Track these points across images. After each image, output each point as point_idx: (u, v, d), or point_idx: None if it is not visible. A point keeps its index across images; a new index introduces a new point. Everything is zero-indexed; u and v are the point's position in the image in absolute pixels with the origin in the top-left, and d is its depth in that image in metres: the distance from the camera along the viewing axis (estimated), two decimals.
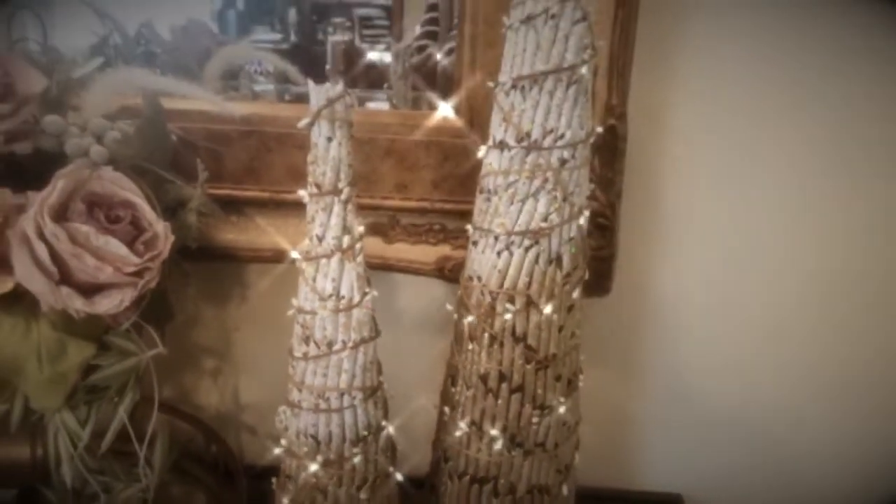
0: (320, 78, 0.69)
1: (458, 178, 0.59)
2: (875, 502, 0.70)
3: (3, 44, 0.65)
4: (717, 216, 0.61)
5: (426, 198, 0.60)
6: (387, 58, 0.72)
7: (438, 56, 0.65)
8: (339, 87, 0.40)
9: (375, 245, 0.61)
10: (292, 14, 0.83)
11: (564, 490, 0.52)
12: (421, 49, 0.68)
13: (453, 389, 0.50)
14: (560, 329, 0.47)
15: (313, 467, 0.44)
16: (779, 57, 0.57)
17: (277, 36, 0.84)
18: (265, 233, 0.61)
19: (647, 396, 0.67)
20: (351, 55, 0.76)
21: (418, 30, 0.70)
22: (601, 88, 0.55)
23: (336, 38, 0.77)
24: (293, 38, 0.83)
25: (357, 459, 0.44)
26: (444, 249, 0.61)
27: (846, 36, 0.56)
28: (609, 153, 0.56)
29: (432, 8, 0.67)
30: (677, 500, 0.70)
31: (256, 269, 0.65)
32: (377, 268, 0.62)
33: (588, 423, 0.63)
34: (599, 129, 0.46)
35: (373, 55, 0.73)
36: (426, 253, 0.61)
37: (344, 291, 0.43)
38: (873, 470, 0.69)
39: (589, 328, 0.63)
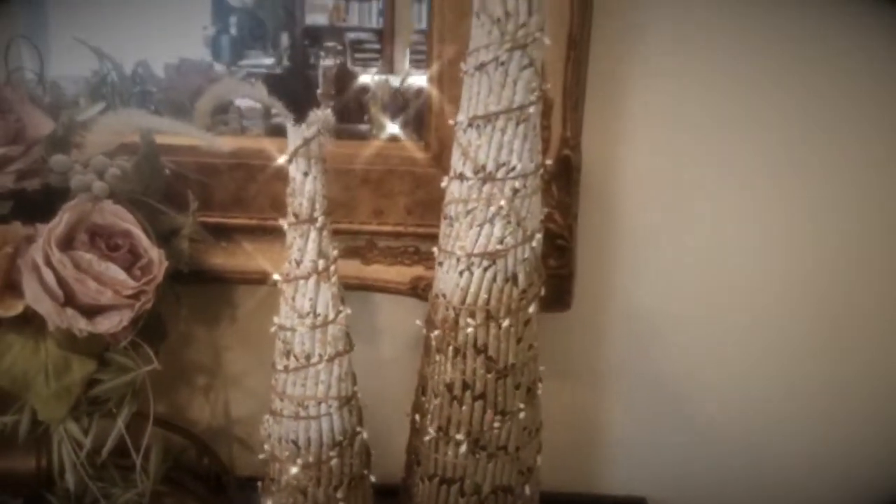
0: (311, 102, 0.75)
1: (430, 205, 0.64)
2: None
3: (1, 73, 0.71)
4: (670, 234, 0.67)
5: (401, 223, 0.65)
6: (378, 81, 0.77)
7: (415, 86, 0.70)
8: (314, 128, 0.45)
9: (354, 267, 0.66)
10: (285, 38, 0.88)
11: (527, 490, 0.56)
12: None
13: (423, 398, 0.55)
14: (518, 341, 0.52)
15: (294, 470, 0.49)
16: (724, 78, 0.62)
17: (270, 60, 0.88)
18: (252, 257, 0.66)
19: (610, 403, 0.72)
20: (342, 79, 0.81)
21: (407, 55, 0.76)
22: (556, 122, 0.61)
23: (326, 63, 0.82)
24: (286, 62, 0.87)
25: (334, 462, 0.49)
26: (418, 270, 0.66)
27: (797, 49, 0.61)
28: (565, 180, 0.62)
29: (419, 33, 0.71)
30: (641, 503, 0.75)
31: (245, 291, 0.69)
32: (356, 288, 0.66)
33: (554, 429, 0.67)
34: (549, 162, 0.52)
35: (364, 78, 0.78)
36: (401, 273, 0.66)
37: (320, 309, 0.48)
38: (839, 472, 0.74)
39: (552, 341, 0.68)
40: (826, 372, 0.70)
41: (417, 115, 0.66)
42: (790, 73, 0.62)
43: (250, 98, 0.78)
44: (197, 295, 0.67)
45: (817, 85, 0.62)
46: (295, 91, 0.84)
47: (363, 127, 0.76)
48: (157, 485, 0.58)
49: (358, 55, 0.80)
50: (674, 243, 0.67)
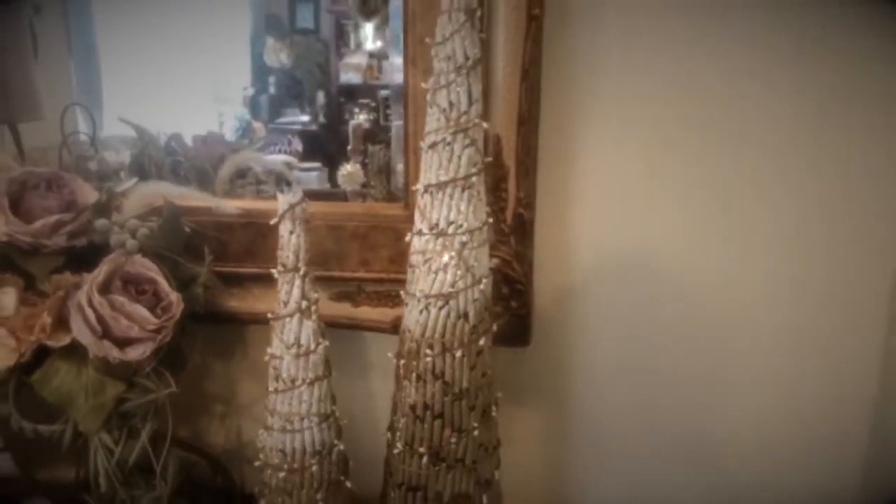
0: (344, 156, 0.83)
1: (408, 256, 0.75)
2: None
3: (58, 135, 0.84)
4: (619, 279, 0.76)
5: (384, 270, 0.76)
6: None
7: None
8: (299, 195, 0.57)
9: (345, 309, 0.77)
10: (320, 96, 0.97)
11: (485, 499, 0.66)
12: None
13: (394, 418, 0.65)
14: (472, 368, 0.62)
15: (281, 474, 0.59)
16: (655, 146, 0.72)
17: (306, 118, 0.97)
18: (261, 301, 0.77)
19: (573, 430, 0.81)
20: (372, 136, 0.89)
21: None
22: (512, 186, 0.72)
23: (355, 122, 0.92)
24: (321, 118, 0.96)
25: (314, 469, 0.59)
26: (399, 311, 0.76)
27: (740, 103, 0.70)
28: (521, 234, 0.72)
29: None
30: None
31: (255, 330, 0.80)
32: (347, 327, 0.77)
33: (519, 452, 0.77)
34: (490, 220, 0.62)
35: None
36: (385, 314, 0.77)
37: (303, 341, 0.59)
38: (805, 495, 0.80)
39: (516, 373, 0.78)
40: (790, 395, 0.76)
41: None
42: (733, 127, 0.70)
43: (264, 166, 0.92)
44: (215, 334, 0.79)
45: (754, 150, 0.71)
46: (329, 146, 0.93)
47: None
48: (175, 493, 0.69)
49: (389, 111, 0.89)
50: (624, 286, 0.76)
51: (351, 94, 0.92)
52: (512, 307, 0.74)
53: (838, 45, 0.68)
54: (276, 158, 0.94)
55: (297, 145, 0.96)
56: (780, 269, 0.74)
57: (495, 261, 0.73)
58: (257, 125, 0.97)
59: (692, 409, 0.78)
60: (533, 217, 0.73)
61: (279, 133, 0.98)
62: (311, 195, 0.85)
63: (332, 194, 0.88)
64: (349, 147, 0.91)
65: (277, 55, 0.97)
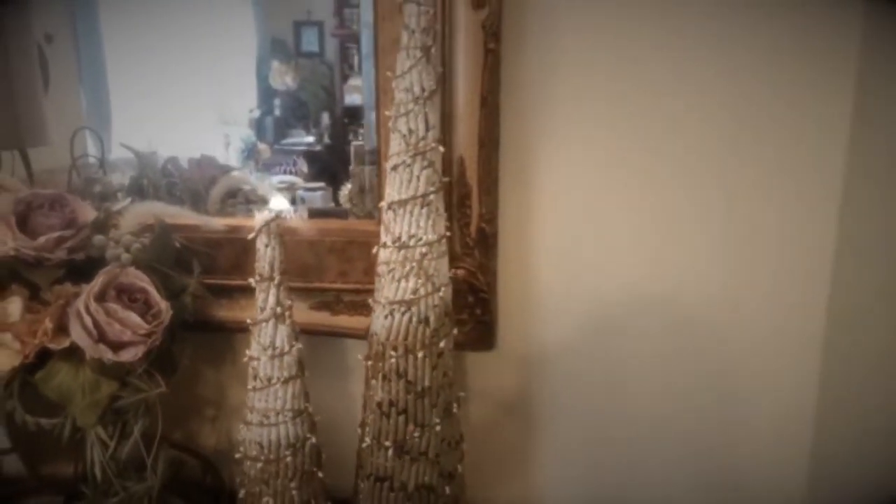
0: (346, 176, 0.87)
1: None
2: None
3: (66, 158, 0.90)
4: (576, 287, 0.81)
5: (360, 281, 0.82)
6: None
7: None
8: (273, 213, 0.64)
9: (324, 317, 0.83)
10: (325, 118, 1.01)
11: (447, 490, 0.72)
12: None
13: (364, 415, 0.71)
14: (433, 368, 0.68)
15: (259, 465, 0.65)
16: (619, 145, 0.78)
17: (311, 139, 1.01)
18: (247, 310, 0.82)
19: (539, 428, 0.86)
20: (371, 157, 0.88)
21: None
22: (475, 203, 0.78)
23: (357, 143, 0.93)
24: (326, 139, 1.00)
25: (288, 460, 0.66)
26: None
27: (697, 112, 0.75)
28: (483, 247, 0.79)
29: None
30: None
31: (242, 338, 0.85)
32: (327, 334, 0.84)
33: (486, 452, 0.82)
34: (448, 234, 0.69)
35: None
36: (361, 322, 0.82)
37: (278, 344, 0.65)
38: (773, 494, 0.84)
39: (483, 375, 0.84)
40: (739, 389, 0.81)
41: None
42: (677, 140, 0.76)
43: (252, 187, 0.98)
44: (206, 341, 0.85)
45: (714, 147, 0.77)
46: (334, 166, 0.97)
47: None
48: (166, 489, 0.75)
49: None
50: (581, 292, 0.82)
51: (355, 115, 0.95)
52: (477, 314, 0.80)
53: (797, 46, 0.73)
54: (282, 179, 0.99)
55: (303, 166, 1.01)
56: (731, 270, 0.79)
57: (461, 272, 0.79)
58: (263, 146, 1.02)
59: (646, 408, 0.84)
60: (495, 231, 0.79)
61: (284, 154, 1.02)
62: (315, 213, 0.93)
63: (335, 212, 0.92)
64: (350, 167, 0.94)
65: (283, 78, 1.01)
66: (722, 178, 0.77)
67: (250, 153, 1.02)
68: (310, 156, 1.01)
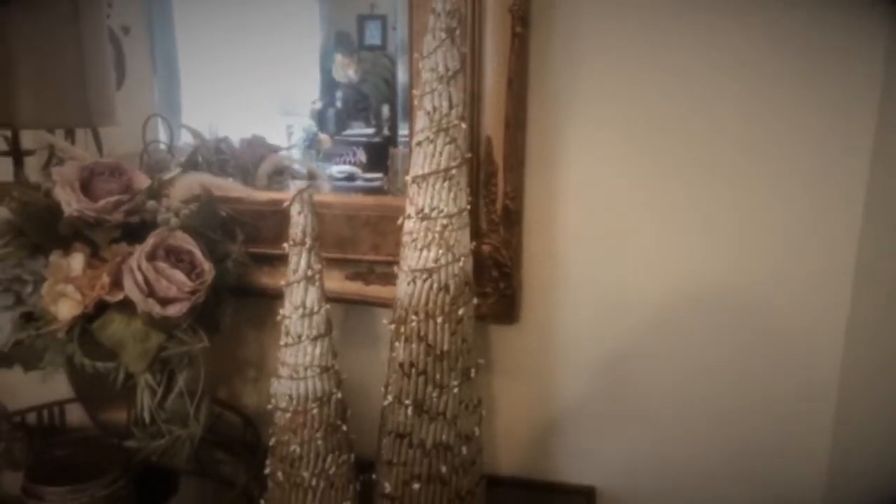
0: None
1: None
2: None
3: (138, 143, 0.98)
4: (603, 264, 0.84)
5: (392, 253, 0.86)
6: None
7: None
8: (305, 185, 0.69)
9: (358, 287, 0.88)
10: (385, 110, 1.04)
11: (464, 451, 0.76)
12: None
13: (387, 375, 0.76)
14: (452, 334, 0.73)
15: (288, 415, 0.71)
16: (632, 150, 0.80)
17: (371, 130, 1.05)
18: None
19: (559, 400, 0.89)
20: None
21: None
22: (500, 181, 0.82)
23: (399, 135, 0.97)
24: (385, 131, 1.04)
25: (315, 412, 0.71)
26: None
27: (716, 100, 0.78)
28: (508, 223, 0.82)
29: None
30: (590, 492, 0.90)
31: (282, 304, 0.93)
32: (360, 303, 0.89)
33: (510, 422, 0.86)
34: (468, 207, 0.73)
35: None
36: (392, 292, 0.87)
37: (308, 304, 0.70)
38: (782, 462, 0.85)
39: (506, 347, 0.88)
40: (761, 365, 0.83)
41: None
42: (699, 125, 0.78)
43: (298, 166, 1.05)
44: (249, 306, 0.92)
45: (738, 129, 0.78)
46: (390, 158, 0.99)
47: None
48: (210, 442, 0.81)
49: None
50: (603, 269, 0.84)
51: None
52: (500, 288, 0.84)
53: (817, 41, 0.74)
54: (342, 169, 1.04)
55: (362, 157, 1.05)
56: (753, 257, 0.81)
57: (486, 247, 0.83)
58: (324, 137, 1.06)
59: (664, 385, 0.86)
60: (520, 208, 0.83)
61: (345, 145, 1.05)
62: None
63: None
64: (390, 149, 0.99)
65: (345, 70, 1.05)
66: (747, 169, 0.79)
67: (312, 143, 1.06)
68: (369, 147, 1.04)
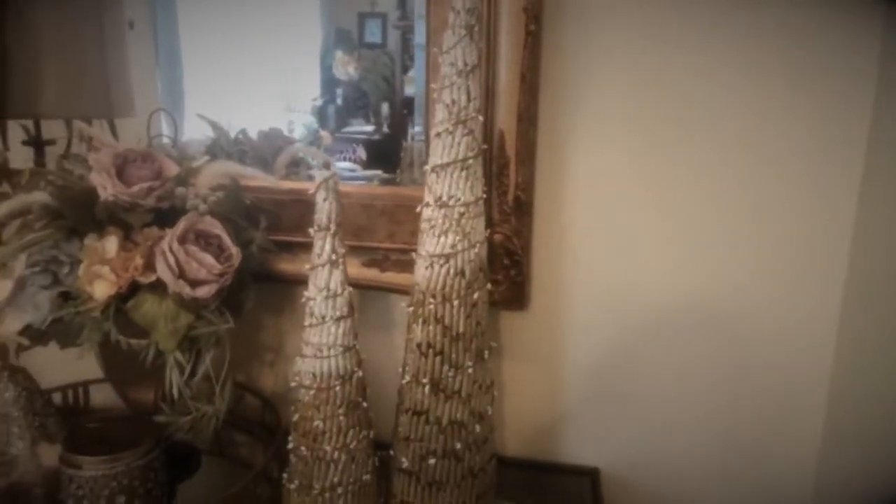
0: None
1: None
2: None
3: (145, 138, 1.01)
4: (609, 254, 0.88)
5: (407, 241, 0.90)
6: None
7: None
8: (330, 172, 0.73)
9: (374, 273, 0.92)
10: (385, 108, 1.05)
11: (478, 428, 0.79)
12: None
13: (405, 356, 0.80)
14: (467, 317, 0.76)
15: (311, 392, 0.75)
16: (639, 142, 0.85)
17: (370, 128, 1.07)
18: (306, 264, 0.93)
19: (566, 385, 0.93)
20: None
21: None
22: (512, 173, 0.86)
23: (412, 131, 1.01)
24: (385, 129, 1.05)
25: (337, 389, 0.74)
26: None
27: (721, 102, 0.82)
28: (519, 213, 0.86)
29: None
30: (595, 472, 0.94)
31: (300, 289, 0.95)
32: (376, 289, 0.93)
33: (518, 405, 0.90)
34: (484, 196, 0.76)
35: None
36: (407, 279, 0.90)
37: (332, 287, 0.74)
38: (772, 453, 0.90)
39: (516, 333, 0.92)
40: (756, 355, 0.87)
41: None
42: (704, 123, 0.82)
43: (313, 157, 1.08)
44: (269, 292, 0.95)
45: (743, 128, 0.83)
46: (392, 155, 1.02)
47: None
48: (230, 424, 0.85)
49: None
50: (610, 257, 0.88)
51: (413, 106, 0.99)
52: (511, 275, 0.88)
53: (813, 43, 0.78)
54: (341, 166, 1.06)
55: (361, 153, 1.06)
56: (749, 263, 0.85)
57: (498, 236, 0.87)
58: (324, 133, 1.08)
59: (666, 374, 0.90)
60: (531, 199, 0.87)
61: (345, 142, 1.07)
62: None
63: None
64: (404, 143, 1.01)
65: (346, 68, 1.07)
66: (747, 173, 0.83)
67: (312, 140, 1.08)
68: (369, 144, 1.06)
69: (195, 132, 1.06)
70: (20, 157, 1.04)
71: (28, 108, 1.06)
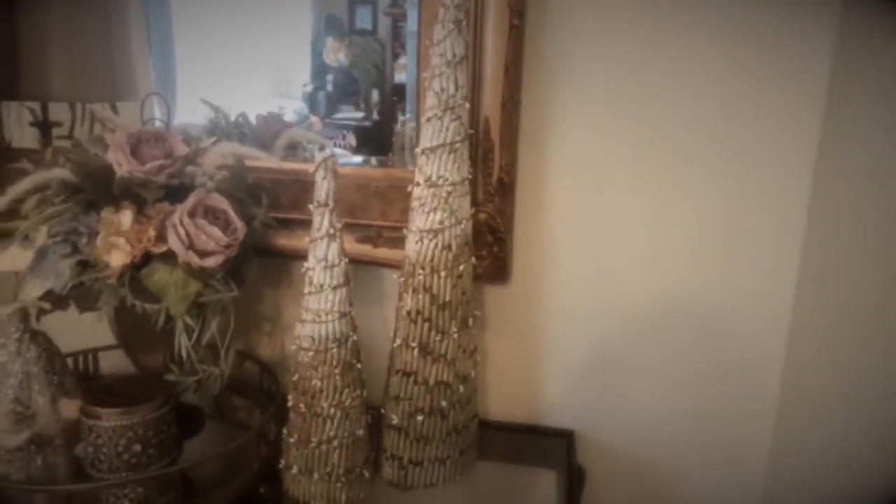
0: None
1: None
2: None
3: (137, 121, 1.05)
4: (586, 233, 0.95)
5: (398, 219, 0.97)
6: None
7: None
8: (328, 152, 0.80)
9: (367, 249, 0.99)
10: (375, 95, 1.08)
11: (461, 389, 0.87)
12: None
13: (395, 322, 0.87)
14: (453, 287, 0.84)
15: (310, 354, 0.82)
16: (619, 128, 0.91)
17: (360, 114, 1.09)
18: (303, 240, 1.00)
19: (544, 353, 1.00)
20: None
21: None
22: (497, 156, 0.93)
23: (402, 118, 1.03)
24: (375, 116, 1.08)
25: (333, 351, 0.82)
26: None
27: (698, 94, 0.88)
28: (502, 194, 0.93)
29: None
30: (570, 434, 1.02)
31: (297, 264, 1.01)
32: (369, 263, 0.99)
33: (499, 373, 0.97)
34: (470, 177, 0.83)
35: None
36: (398, 254, 0.97)
37: (329, 258, 0.81)
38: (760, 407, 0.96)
39: (498, 305, 0.99)
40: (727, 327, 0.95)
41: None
42: (683, 113, 0.89)
43: (310, 140, 1.14)
44: (268, 265, 1.01)
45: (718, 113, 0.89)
46: (381, 142, 1.06)
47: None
48: (232, 389, 0.92)
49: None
50: (588, 236, 0.95)
51: (404, 93, 0.99)
52: (494, 252, 0.95)
53: (767, 41, 0.85)
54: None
55: (351, 140, 1.10)
56: (710, 242, 0.93)
57: (483, 215, 0.94)
58: (314, 119, 1.11)
59: (640, 344, 0.98)
60: (514, 181, 0.94)
61: (335, 128, 1.10)
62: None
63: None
64: (395, 127, 1.04)
65: (336, 54, 1.09)
66: (709, 159, 0.90)
67: (303, 126, 1.11)
68: (359, 131, 1.10)
69: (187, 116, 1.10)
70: (26, 138, 1.10)
71: (38, 91, 1.12)
